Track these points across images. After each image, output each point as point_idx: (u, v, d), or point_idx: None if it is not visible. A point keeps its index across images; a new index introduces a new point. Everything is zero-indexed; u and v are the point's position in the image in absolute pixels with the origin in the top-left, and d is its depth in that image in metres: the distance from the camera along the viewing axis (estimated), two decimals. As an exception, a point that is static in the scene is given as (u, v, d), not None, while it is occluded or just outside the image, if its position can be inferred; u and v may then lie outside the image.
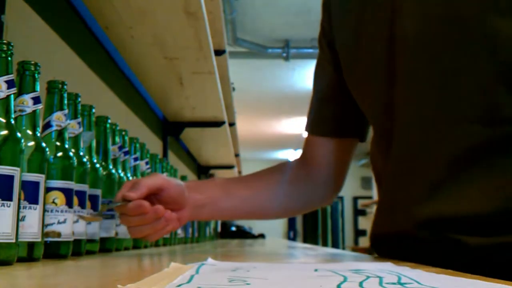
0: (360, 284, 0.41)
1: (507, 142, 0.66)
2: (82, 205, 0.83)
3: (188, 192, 0.87)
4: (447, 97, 0.69)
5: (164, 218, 0.81)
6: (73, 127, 0.84)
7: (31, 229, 0.66)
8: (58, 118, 0.77)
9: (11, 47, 0.64)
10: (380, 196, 0.83)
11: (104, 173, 1.01)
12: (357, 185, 10.34)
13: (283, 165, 0.98)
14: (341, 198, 10.46)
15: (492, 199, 0.67)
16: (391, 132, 0.76)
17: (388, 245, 0.79)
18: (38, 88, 0.71)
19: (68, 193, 0.76)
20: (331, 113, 0.91)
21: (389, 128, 0.77)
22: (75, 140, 0.84)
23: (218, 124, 2.41)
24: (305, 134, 0.97)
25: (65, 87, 0.80)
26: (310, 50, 4.76)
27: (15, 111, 0.67)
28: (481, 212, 0.67)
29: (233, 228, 4.04)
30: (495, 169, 0.67)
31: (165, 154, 2.35)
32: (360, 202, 10.43)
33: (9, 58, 0.64)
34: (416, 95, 0.72)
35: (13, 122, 0.63)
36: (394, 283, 0.41)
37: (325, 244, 10.75)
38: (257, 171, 0.98)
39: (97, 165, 0.95)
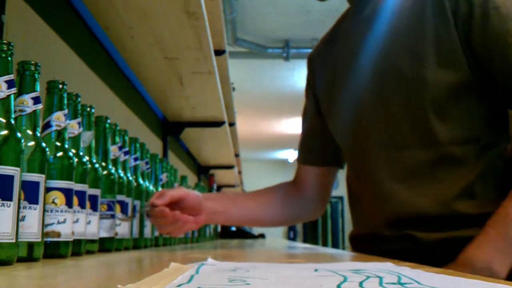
0: (360, 284, 0.41)
1: (444, 160, 0.90)
2: (82, 205, 0.83)
3: (205, 201, 1.11)
4: (395, 130, 0.94)
5: (181, 221, 1.04)
6: (73, 127, 0.84)
7: (31, 229, 0.66)
8: (58, 118, 0.77)
9: (11, 47, 0.64)
10: (353, 207, 1.10)
11: (104, 173, 1.01)
12: (357, 185, 10.33)
13: (280, 185, 1.26)
14: (341, 198, 10.45)
15: (434, 204, 0.89)
16: (359, 158, 1.03)
17: (363, 243, 1.03)
18: (38, 88, 0.71)
19: (68, 193, 0.76)
20: (315, 147, 1.19)
21: (356, 155, 1.04)
22: (75, 140, 0.84)
23: (218, 124, 2.41)
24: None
25: (65, 87, 0.80)
26: (310, 50, 4.76)
27: (15, 111, 0.67)
28: (426, 213, 0.90)
29: (233, 228, 4.04)
30: (435, 180, 0.90)
31: (165, 154, 2.35)
32: (360, 202, 10.41)
33: (9, 58, 0.64)
34: (373, 130, 0.98)
35: (13, 122, 0.63)
36: (394, 283, 0.42)
37: (325, 244, 10.75)
38: (259, 189, 1.26)
39: (97, 165, 0.95)
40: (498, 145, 0.91)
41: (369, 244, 1.00)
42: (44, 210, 0.69)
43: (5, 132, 0.61)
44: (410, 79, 0.91)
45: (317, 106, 1.15)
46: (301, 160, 1.22)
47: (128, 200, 1.13)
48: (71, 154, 0.78)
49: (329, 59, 1.10)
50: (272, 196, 1.22)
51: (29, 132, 0.68)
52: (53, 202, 0.74)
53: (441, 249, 0.87)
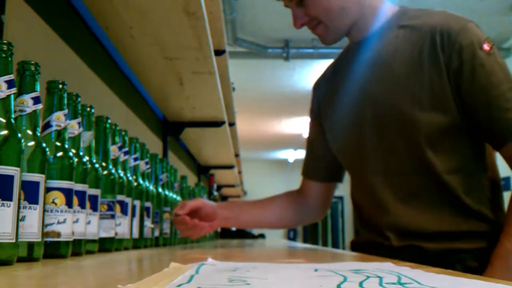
0: (360, 284, 0.41)
1: (438, 187, 1.07)
2: (82, 205, 0.83)
3: (218, 209, 1.31)
4: (395, 159, 1.11)
5: (199, 227, 1.26)
6: (73, 127, 0.84)
7: (31, 229, 0.66)
8: (58, 118, 0.77)
9: (11, 47, 0.64)
10: (356, 217, 1.25)
11: (104, 173, 1.01)
12: (357, 185, 10.33)
13: (286, 193, 1.42)
14: (341, 198, 10.45)
15: (427, 221, 1.07)
16: (361, 180, 1.19)
17: (365, 250, 1.18)
18: (38, 88, 0.71)
19: (68, 193, 0.76)
20: (318, 165, 1.35)
21: (359, 177, 1.20)
22: (75, 140, 0.84)
23: (218, 124, 2.41)
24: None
25: (65, 87, 0.80)
26: (310, 50, 4.76)
27: (15, 111, 0.67)
28: (422, 229, 1.07)
29: (233, 229, 4.04)
30: (430, 202, 1.08)
31: (165, 154, 2.35)
32: (360, 202, 10.40)
33: (9, 58, 0.64)
34: (374, 158, 1.13)
35: (13, 122, 0.63)
36: (394, 283, 0.42)
37: (325, 244, 10.76)
38: (267, 197, 1.43)
39: (97, 165, 0.95)
40: (479, 171, 1.09)
41: (370, 251, 1.14)
42: (44, 210, 0.69)
43: (5, 132, 0.61)
44: (408, 119, 1.06)
45: (321, 129, 1.31)
46: (306, 175, 1.38)
47: (128, 200, 1.13)
48: (71, 154, 0.78)
49: (333, 92, 1.24)
50: (277, 204, 1.40)
51: (29, 132, 0.68)
52: (53, 202, 0.74)
53: (438, 258, 1.04)
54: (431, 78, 1.04)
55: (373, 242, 1.15)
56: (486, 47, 1.02)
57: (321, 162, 1.33)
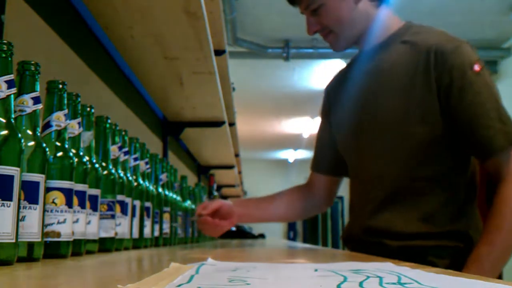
0: (360, 284, 0.41)
1: (415, 192, 1.18)
2: (82, 205, 0.83)
3: (235, 207, 1.44)
4: (380, 164, 1.23)
5: (219, 226, 1.40)
6: (73, 127, 0.84)
7: (31, 229, 0.66)
8: (58, 118, 0.77)
9: (11, 47, 0.64)
10: (349, 214, 1.37)
11: (104, 173, 1.01)
12: (357, 185, 10.32)
13: (295, 188, 1.55)
14: (341, 198, 10.45)
15: (403, 222, 1.18)
16: (353, 179, 1.34)
17: (351, 242, 1.32)
18: (38, 88, 0.71)
19: (68, 193, 0.76)
20: (325, 160, 1.46)
21: (353, 177, 1.35)
22: (75, 140, 0.84)
23: (218, 124, 2.41)
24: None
25: (65, 87, 0.80)
26: (310, 50, 4.76)
27: (15, 111, 0.67)
28: (397, 230, 1.18)
29: (233, 228, 4.04)
30: (406, 204, 1.19)
31: (165, 154, 2.35)
32: (360, 202, 10.39)
33: (9, 58, 0.64)
34: (368, 160, 1.26)
35: (13, 122, 0.63)
36: (394, 283, 0.42)
37: (325, 244, 10.75)
38: (278, 191, 1.56)
39: (97, 165, 0.95)
40: (460, 180, 1.18)
41: (354, 244, 1.31)
42: (44, 210, 0.69)
43: (5, 132, 0.61)
44: (399, 129, 1.17)
45: (329, 128, 1.42)
46: (314, 169, 1.50)
47: (128, 200, 1.13)
48: (71, 154, 0.78)
49: (340, 95, 1.36)
50: (286, 198, 1.53)
51: (29, 132, 0.68)
52: (53, 202, 0.74)
53: (402, 253, 1.14)
54: (423, 93, 1.13)
55: (352, 237, 1.31)
56: (476, 67, 1.11)
57: (328, 157, 1.44)
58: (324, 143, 1.45)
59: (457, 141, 1.15)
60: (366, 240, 1.24)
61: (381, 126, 1.21)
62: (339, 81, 1.39)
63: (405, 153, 1.18)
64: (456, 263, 1.12)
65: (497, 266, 1.07)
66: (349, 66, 1.39)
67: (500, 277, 1.14)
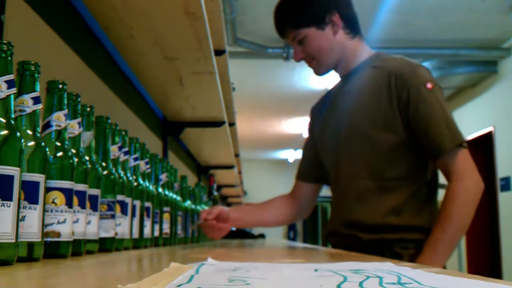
0: (360, 284, 0.41)
1: (383, 189, 1.40)
2: (82, 205, 0.83)
3: (230, 213, 1.63)
4: (355, 166, 1.44)
5: (221, 229, 1.60)
6: (73, 127, 0.84)
7: (31, 229, 0.66)
8: (58, 118, 0.77)
9: (11, 47, 0.64)
10: (331, 211, 1.59)
11: (104, 173, 1.01)
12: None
13: (282, 196, 1.77)
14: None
15: (374, 217, 1.40)
16: (333, 181, 1.55)
17: (333, 237, 1.53)
18: (38, 88, 0.71)
19: (68, 193, 0.76)
20: (309, 169, 1.68)
21: (333, 179, 1.55)
22: (75, 140, 0.84)
23: (218, 124, 2.41)
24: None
25: (65, 87, 0.80)
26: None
27: (15, 111, 0.67)
28: (369, 222, 1.40)
29: (233, 228, 4.03)
30: (375, 202, 1.40)
31: (165, 154, 2.35)
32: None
33: (9, 58, 0.64)
34: (342, 164, 1.48)
35: (13, 122, 0.63)
36: (394, 283, 0.42)
37: (325, 244, 10.75)
38: (267, 200, 1.77)
39: (97, 165, 0.95)
40: (422, 179, 1.41)
41: (334, 238, 1.51)
42: (44, 210, 0.69)
43: (5, 132, 0.61)
44: (368, 137, 1.41)
45: (313, 142, 1.66)
46: (299, 177, 1.72)
47: (128, 200, 1.13)
48: (71, 154, 0.78)
49: (323, 115, 1.61)
50: (274, 206, 1.74)
51: (29, 132, 0.68)
52: (53, 202, 0.74)
53: (373, 245, 1.37)
54: (386, 108, 1.38)
55: (333, 232, 1.51)
56: (429, 86, 1.36)
57: (311, 168, 1.67)
58: (308, 156, 1.69)
59: (416, 146, 1.37)
60: (344, 234, 1.45)
61: (354, 134, 1.44)
62: (322, 102, 1.66)
63: (374, 156, 1.41)
64: (420, 253, 1.31)
65: (448, 250, 1.31)
66: (330, 89, 1.64)
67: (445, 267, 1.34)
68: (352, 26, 1.48)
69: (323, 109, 1.62)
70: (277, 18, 1.54)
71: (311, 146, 1.67)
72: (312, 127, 1.69)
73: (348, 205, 1.45)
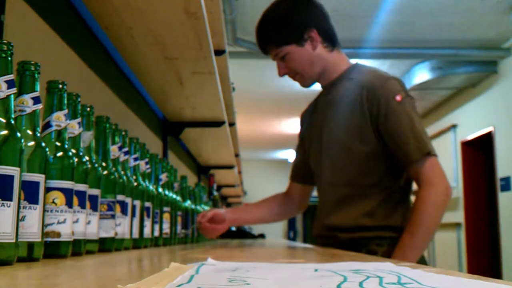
0: (360, 284, 0.41)
1: (359, 196, 1.50)
2: (82, 205, 0.83)
3: (227, 214, 1.75)
4: (335, 174, 1.56)
5: (216, 230, 1.73)
6: (73, 127, 0.84)
7: (31, 229, 0.66)
8: (58, 118, 0.77)
9: (11, 47, 0.64)
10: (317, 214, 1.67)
11: (104, 173, 1.01)
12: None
13: (276, 195, 1.89)
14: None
15: (349, 220, 1.50)
16: (317, 185, 1.67)
17: (318, 239, 1.65)
18: (38, 88, 0.71)
19: (68, 193, 0.76)
20: (301, 171, 1.79)
21: (317, 183, 1.68)
22: (75, 140, 0.84)
23: (218, 124, 2.41)
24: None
25: (65, 87, 0.80)
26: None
27: (15, 111, 0.67)
28: (345, 225, 1.51)
29: (233, 228, 4.03)
30: (351, 206, 1.51)
31: (165, 154, 2.35)
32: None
33: (9, 58, 0.64)
34: (325, 171, 1.59)
35: (13, 122, 0.63)
36: (394, 283, 0.42)
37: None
38: (263, 199, 1.91)
39: (97, 165, 0.95)
40: (394, 185, 1.50)
41: (319, 240, 1.64)
42: (44, 210, 0.69)
43: (5, 132, 0.61)
44: (344, 146, 1.51)
45: (304, 146, 1.76)
46: (292, 179, 1.84)
47: (128, 200, 1.13)
48: (71, 154, 0.78)
49: (310, 122, 1.70)
50: (269, 204, 1.87)
51: (29, 132, 0.68)
52: (53, 202, 0.74)
53: (351, 243, 1.47)
54: (359, 119, 1.47)
55: (318, 234, 1.63)
56: (398, 98, 1.44)
57: (303, 170, 1.76)
58: (300, 159, 1.79)
59: (390, 155, 1.46)
60: (325, 235, 1.58)
61: (333, 143, 1.55)
62: (309, 109, 1.76)
63: (351, 165, 1.51)
64: (393, 250, 1.42)
65: (416, 253, 1.40)
66: (317, 99, 1.73)
67: (421, 261, 1.44)
68: (330, 40, 1.56)
69: (309, 116, 1.72)
70: (258, 36, 1.61)
71: (302, 150, 1.77)
72: (301, 133, 1.80)
73: (328, 211, 1.56)
